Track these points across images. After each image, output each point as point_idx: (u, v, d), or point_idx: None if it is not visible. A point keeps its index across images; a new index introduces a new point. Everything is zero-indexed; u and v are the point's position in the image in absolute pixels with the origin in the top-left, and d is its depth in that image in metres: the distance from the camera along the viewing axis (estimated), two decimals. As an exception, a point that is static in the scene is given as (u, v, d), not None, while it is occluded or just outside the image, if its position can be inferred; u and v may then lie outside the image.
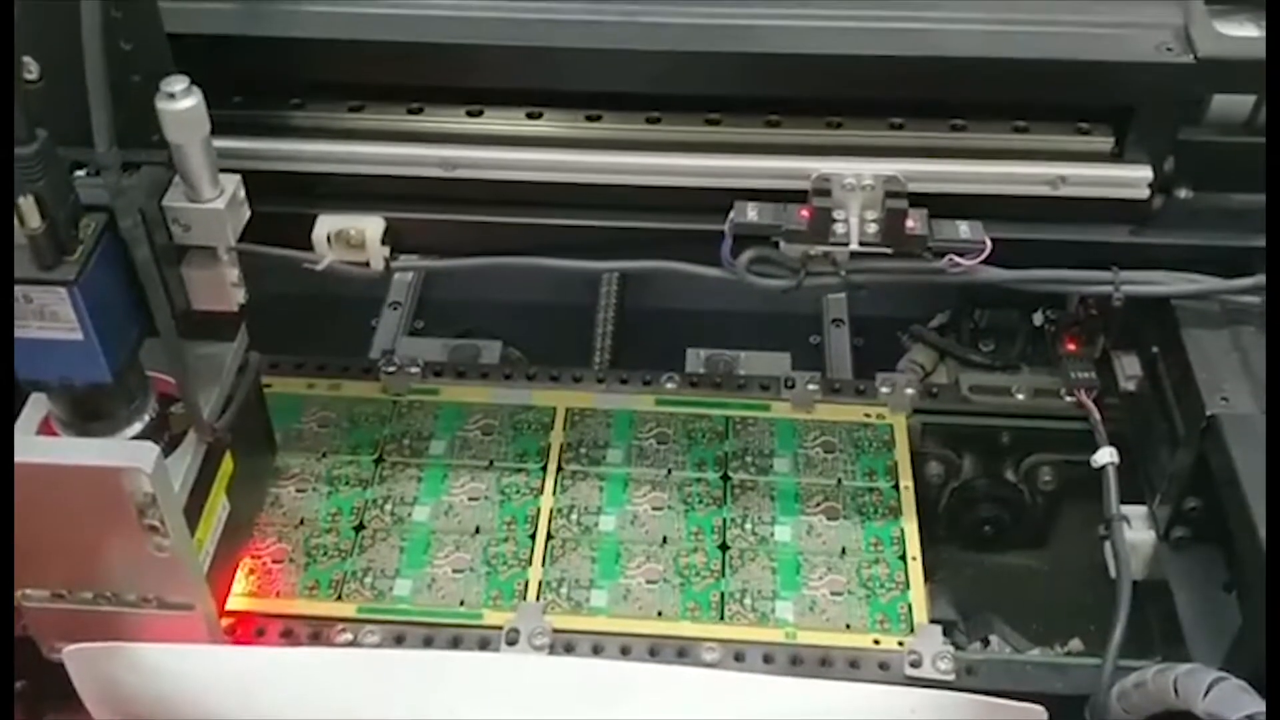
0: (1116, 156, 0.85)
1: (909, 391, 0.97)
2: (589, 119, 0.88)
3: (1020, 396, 0.97)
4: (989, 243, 0.80)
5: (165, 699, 0.75)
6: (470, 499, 0.91)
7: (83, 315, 0.68)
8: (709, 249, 0.83)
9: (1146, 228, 0.86)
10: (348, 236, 0.86)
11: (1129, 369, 0.90)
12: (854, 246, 0.79)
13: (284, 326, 1.24)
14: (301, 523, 0.90)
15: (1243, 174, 0.82)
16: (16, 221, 0.65)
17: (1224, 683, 0.67)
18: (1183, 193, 0.84)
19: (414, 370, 0.99)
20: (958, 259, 0.80)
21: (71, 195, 0.68)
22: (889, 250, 0.80)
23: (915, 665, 0.81)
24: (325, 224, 0.86)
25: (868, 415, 0.97)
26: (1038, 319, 0.97)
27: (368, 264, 0.87)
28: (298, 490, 0.92)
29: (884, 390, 0.98)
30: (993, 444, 0.98)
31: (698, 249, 0.84)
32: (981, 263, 0.80)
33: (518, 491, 0.92)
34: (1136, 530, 0.85)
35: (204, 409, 0.77)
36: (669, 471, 0.93)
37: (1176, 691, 0.70)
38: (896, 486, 0.92)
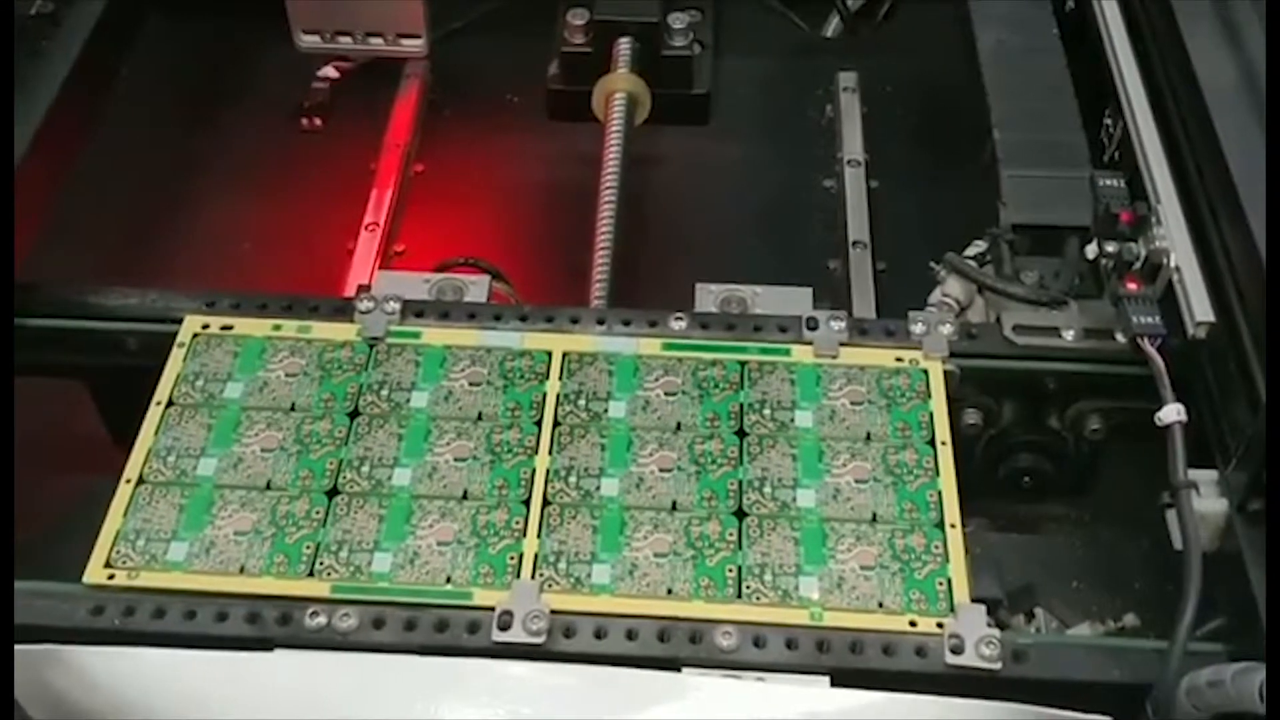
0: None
1: (945, 331, 0.87)
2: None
3: (1069, 336, 0.87)
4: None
5: (105, 705, 0.66)
6: (457, 459, 0.82)
7: None
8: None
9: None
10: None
11: (1200, 313, 0.80)
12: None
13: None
14: (268, 487, 0.80)
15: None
16: None
17: (1322, 694, 0.59)
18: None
19: (392, 310, 0.89)
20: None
21: None
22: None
23: (956, 651, 0.72)
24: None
25: (899, 360, 0.86)
26: (1091, 251, 0.86)
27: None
28: (263, 450, 0.82)
29: (917, 330, 0.87)
30: (1037, 389, 0.88)
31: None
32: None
33: (509, 450, 0.82)
34: (1206, 498, 0.75)
35: None
36: (678, 426, 0.83)
37: (1263, 697, 0.62)
38: (933, 443, 0.82)
